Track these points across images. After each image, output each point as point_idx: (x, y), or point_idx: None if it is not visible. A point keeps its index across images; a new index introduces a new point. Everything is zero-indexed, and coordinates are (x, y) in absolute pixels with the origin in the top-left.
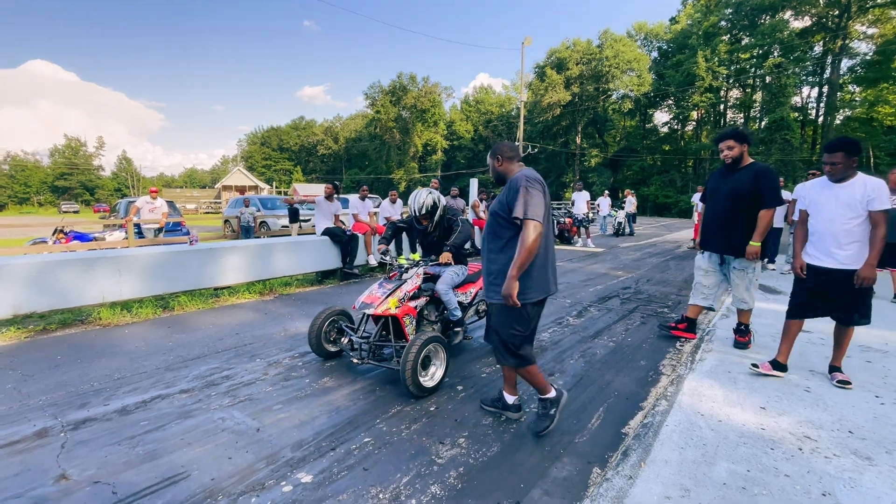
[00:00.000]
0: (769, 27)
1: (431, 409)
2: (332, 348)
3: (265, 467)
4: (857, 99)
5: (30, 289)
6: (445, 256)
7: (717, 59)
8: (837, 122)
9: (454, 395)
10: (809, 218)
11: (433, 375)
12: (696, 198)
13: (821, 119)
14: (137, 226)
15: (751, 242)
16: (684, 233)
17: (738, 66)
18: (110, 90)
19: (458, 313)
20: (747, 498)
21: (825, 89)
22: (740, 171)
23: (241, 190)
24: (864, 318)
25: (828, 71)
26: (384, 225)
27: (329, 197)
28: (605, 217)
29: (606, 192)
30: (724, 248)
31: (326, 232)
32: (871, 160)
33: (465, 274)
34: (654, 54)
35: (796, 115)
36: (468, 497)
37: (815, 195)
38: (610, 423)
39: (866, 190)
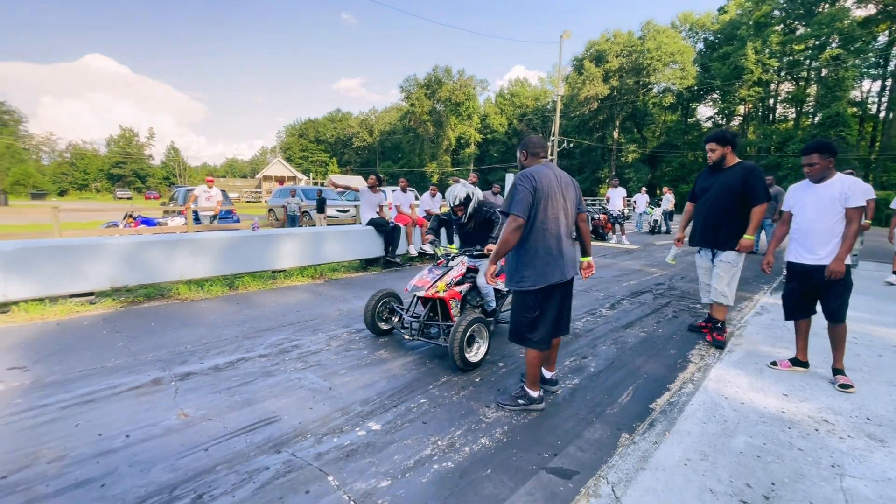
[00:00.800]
0: (827, 16)
1: (476, 380)
2: (384, 326)
3: (340, 416)
4: None
5: (123, 265)
6: (490, 247)
7: (768, 50)
8: None
9: (496, 370)
10: (794, 217)
11: (477, 352)
12: None
13: (882, 114)
14: (195, 212)
15: (745, 236)
16: None
17: (791, 58)
18: (159, 83)
19: (493, 304)
20: (761, 465)
21: (888, 83)
22: (727, 171)
23: (281, 180)
24: (842, 317)
25: (892, 63)
26: (424, 217)
27: (373, 188)
28: (641, 214)
29: (644, 188)
30: (713, 242)
31: (371, 222)
32: None
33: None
34: (700, 46)
35: (854, 110)
36: (512, 448)
37: (798, 196)
38: (639, 399)
39: (843, 188)
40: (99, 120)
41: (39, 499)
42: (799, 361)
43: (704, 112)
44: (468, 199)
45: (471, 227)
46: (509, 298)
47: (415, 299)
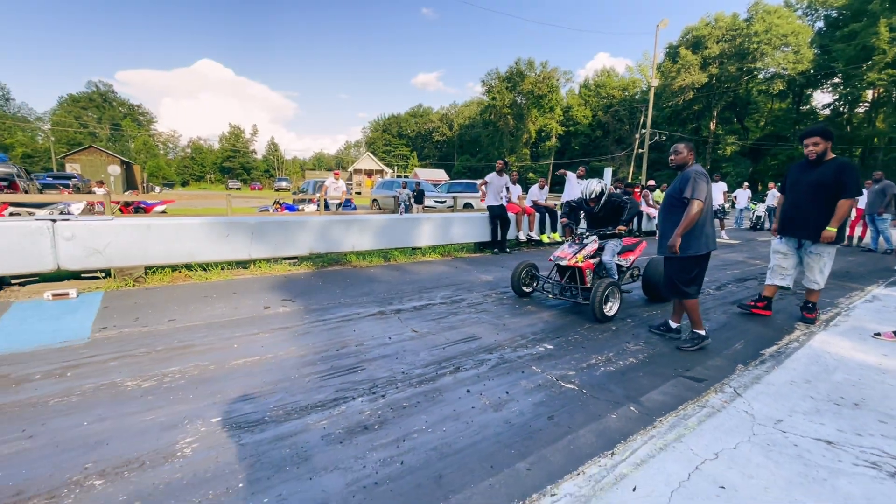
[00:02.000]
0: None
1: (613, 328)
2: (527, 289)
3: (521, 339)
4: None
5: (317, 237)
6: (621, 229)
7: None
8: None
9: (626, 323)
10: None
11: (611, 308)
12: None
13: None
14: (325, 200)
15: (828, 227)
16: None
17: None
18: (257, 83)
19: (616, 276)
20: (854, 389)
21: None
22: (823, 165)
23: (369, 173)
24: None
25: None
26: (531, 206)
27: (500, 172)
28: (741, 210)
29: (746, 183)
30: (803, 233)
31: (490, 209)
32: None
33: (621, 245)
34: (819, 25)
35: None
36: (654, 365)
37: None
38: (750, 348)
39: None
40: (208, 118)
41: (365, 361)
42: None
43: (821, 99)
44: (602, 192)
45: (600, 214)
46: (626, 275)
47: (554, 268)
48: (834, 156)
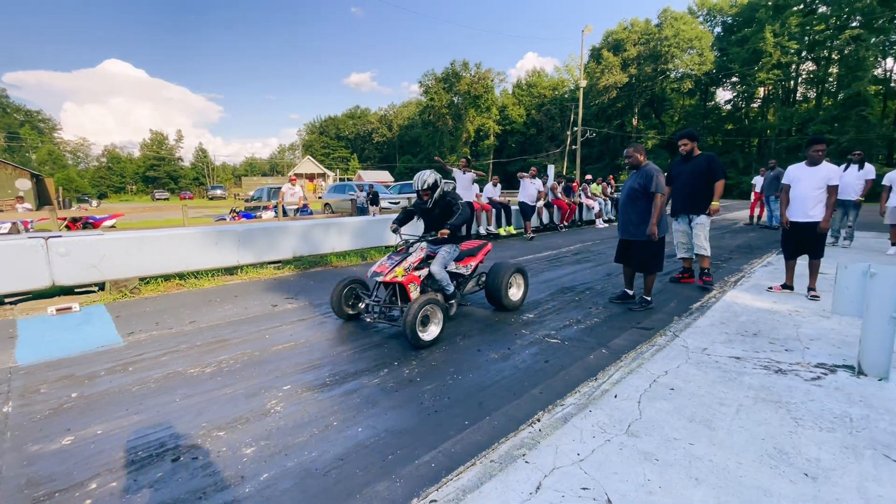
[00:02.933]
0: None
1: (577, 299)
2: (351, 311)
3: (509, 312)
4: None
5: (299, 241)
6: (443, 232)
7: (786, 33)
8: None
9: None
10: (791, 189)
11: (431, 332)
12: (756, 179)
13: None
14: (283, 206)
15: (713, 203)
16: (742, 212)
17: (811, 39)
18: (175, 85)
19: (451, 289)
20: (754, 325)
21: None
22: (695, 159)
23: (311, 177)
24: (820, 255)
25: None
26: (487, 202)
27: (463, 170)
28: None
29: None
30: (691, 210)
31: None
32: None
33: (458, 251)
34: (718, 30)
35: (878, 87)
36: (612, 323)
37: (796, 174)
38: (681, 305)
39: (829, 171)
40: (119, 124)
41: (385, 339)
42: (787, 286)
43: (724, 95)
44: (435, 184)
45: (436, 213)
46: (472, 282)
47: (377, 285)
48: (700, 151)
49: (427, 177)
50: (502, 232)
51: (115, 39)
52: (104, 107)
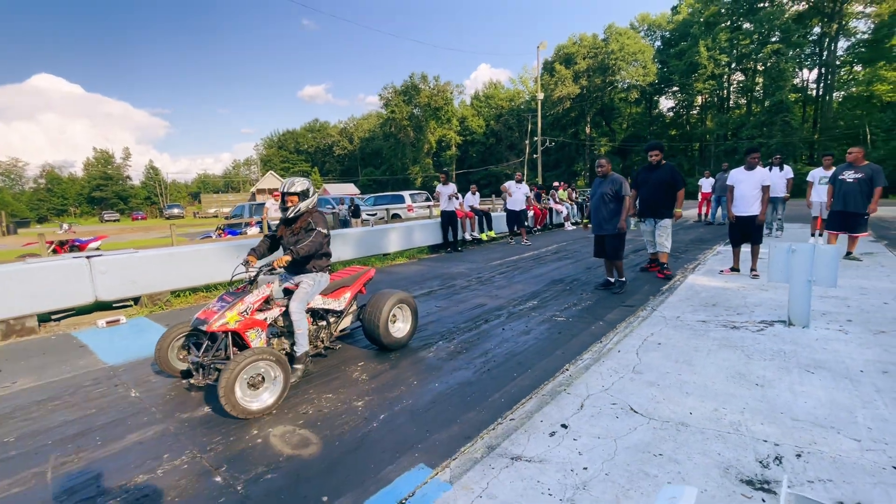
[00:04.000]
0: (767, 14)
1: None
2: (183, 365)
3: (514, 301)
4: (855, 78)
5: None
6: (282, 260)
7: (718, 47)
8: (837, 101)
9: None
10: (735, 189)
11: (263, 399)
12: (702, 181)
13: (821, 99)
14: (267, 222)
15: (676, 209)
16: (691, 210)
17: (739, 52)
18: (115, 100)
19: (305, 344)
20: (711, 299)
21: (823, 70)
22: (660, 169)
23: (273, 192)
24: (759, 241)
25: (825, 53)
26: (470, 210)
27: (445, 182)
28: None
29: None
30: (655, 215)
31: (442, 214)
32: (868, 136)
33: (326, 282)
34: (658, 44)
35: (798, 95)
36: (603, 304)
37: (738, 177)
38: (654, 287)
39: (763, 174)
40: (51, 142)
41: (421, 326)
42: (734, 269)
43: (666, 104)
44: (305, 193)
45: (296, 231)
46: (349, 318)
47: (203, 335)
48: (665, 162)
49: (297, 181)
50: (484, 237)
51: (46, 53)
52: (34, 124)
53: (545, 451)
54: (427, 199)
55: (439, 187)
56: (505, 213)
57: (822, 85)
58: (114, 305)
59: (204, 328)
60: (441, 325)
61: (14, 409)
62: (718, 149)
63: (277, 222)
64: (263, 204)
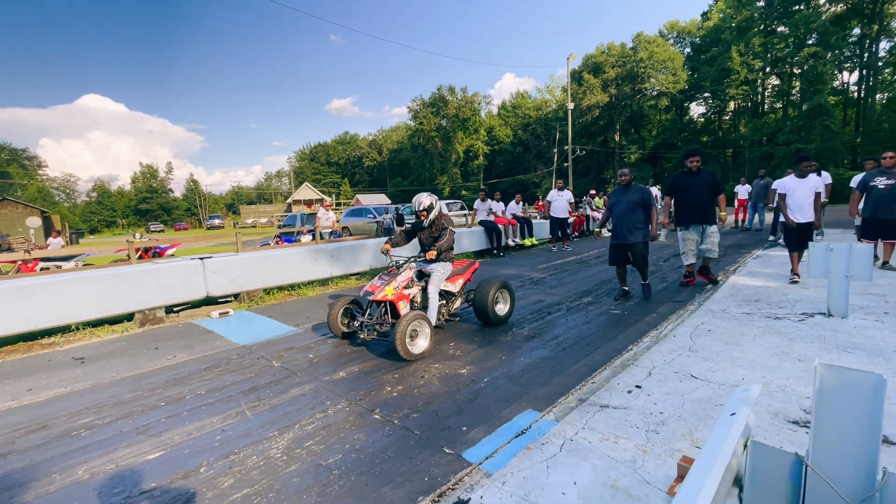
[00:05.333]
0: (802, 17)
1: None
2: (346, 329)
3: (571, 297)
4: None
5: (372, 257)
6: (430, 254)
7: (751, 52)
8: (881, 103)
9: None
10: (788, 197)
11: (419, 345)
12: (739, 188)
13: (863, 101)
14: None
15: (721, 213)
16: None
17: (773, 56)
18: (155, 117)
19: (435, 307)
20: (754, 296)
21: (864, 72)
22: (701, 174)
23: (309, 203)
24: (806, 247)
25: (866, 55)
26: (513, 218)
27: (483, 199)
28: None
29: (653, 180)
30: (704, 221)
31: (481, 223)
32: None
33: (450, 269)
34: (688, 50)
35: (838, 98)
36: (651, 302)
37: (791, 185)
38: (695, 290)
39: (816, 181)
40: (98, 158)
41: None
42: (795, 272)
43: (697, 110)
44: (431, 207)
45: (430, 234)
46: (460, 300)
47: (369, 303)
48: (703, 167)
49: (423, 199)
50: (527, 242)
51: (94, 75)
52: (82, 141)
53: (626, 402)
54: (462, 209)
55: (477, 203)
56: (549, 220)
57: (863, 87)
58: (218, 300)
59: (371, 298)
60: (510, 317)
61: (189, 373)
62: (753, 154)
63: (329, 230)
64: (315, 214)
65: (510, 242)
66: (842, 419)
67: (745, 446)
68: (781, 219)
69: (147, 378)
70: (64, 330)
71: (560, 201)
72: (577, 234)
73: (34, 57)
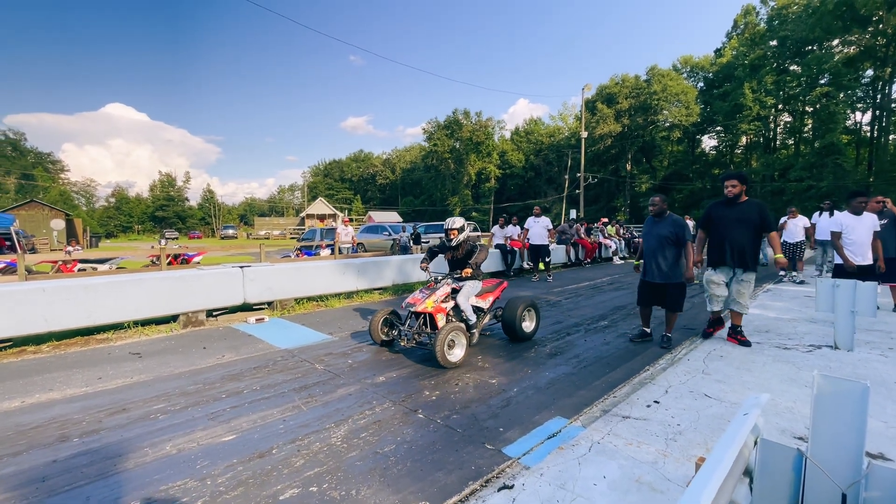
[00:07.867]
0: (815, 58)
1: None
2: (386, 337)
3: (588, 320)
4: None
5: (396, 273)
6: (466, 271)
7: (763, 89)
8: (894, 143)
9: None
10: (845, 235)
11: (456, 354)
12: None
13: (876, 141)
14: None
15: (777, 256)
16: None
17: (786, 94)
18: (175, 128)
19: (473, 319)
20: (764, 326)
21: (877, 112)
22: (742, 204)
23: (322, 218)
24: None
25: (878, 96)
26: (528, 241)
27: (502, 226)
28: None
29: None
30: (739, 264)
31: (497, 246)
32: None
33: (481, 286)
34: (700, 85)
35: (850, 137)
36: (656, 333)
37: (851, 222)
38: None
39: (874, 220)
40: (117, 164)
41: None
42: None
43: (709, 143)
44: (462, 227)
45: (460, 253)
46: (489, 316)
47: (409, 314)
48: (747, 197)
49: (456, 219)
50: (542, 265)
51: (119, 84)
52: (103, 148)
53: (646, 414)
54: (475, 230)
55: (495, 229)
56: (528, 249)
57: (876, 127)
58: (253, 307)
59: (413, 309)
60: (535, 334)
61: (241, 371)
62: (764, 189)
63: (347, 245)
64: (332, 229)
65: (525, 265)
66: (835, 419)
67: (755, 443)
68: (838, 260)
69: (203, 374)
70: (115, 327)
71: (536, 227)
72: (589, 260)
73: (64, 66)
